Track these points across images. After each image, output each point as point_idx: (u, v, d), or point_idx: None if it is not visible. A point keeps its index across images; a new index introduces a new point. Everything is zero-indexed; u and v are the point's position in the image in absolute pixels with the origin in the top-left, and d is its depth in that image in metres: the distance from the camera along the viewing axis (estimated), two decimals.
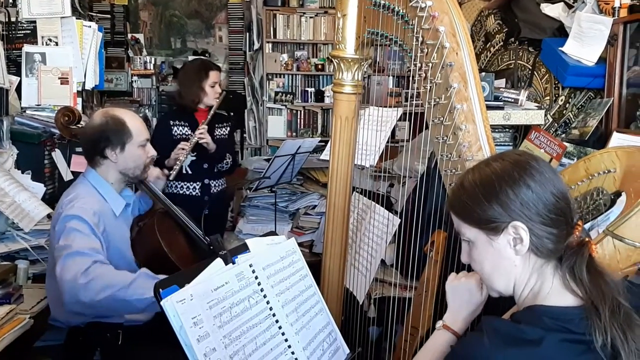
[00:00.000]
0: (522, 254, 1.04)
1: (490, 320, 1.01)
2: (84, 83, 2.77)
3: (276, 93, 6.01)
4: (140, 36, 6.15)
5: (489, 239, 1.05)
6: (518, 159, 1.06)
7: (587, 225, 1.33)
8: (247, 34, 6.15)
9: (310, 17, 5.99)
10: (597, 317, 0.95)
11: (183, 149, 2.98)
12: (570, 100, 2.71)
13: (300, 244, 2.90)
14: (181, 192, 3.15)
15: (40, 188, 2.50)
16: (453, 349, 1.10)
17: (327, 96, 5.91)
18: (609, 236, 1.09)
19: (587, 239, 1.02)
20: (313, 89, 6.06)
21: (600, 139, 2.46)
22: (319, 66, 6.03)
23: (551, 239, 1.01)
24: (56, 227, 1.81)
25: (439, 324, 1.25)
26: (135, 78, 5.80)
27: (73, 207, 1.81)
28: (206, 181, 3.18)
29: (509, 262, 1.05)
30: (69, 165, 2.62)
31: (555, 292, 1.02)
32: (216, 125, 3.19)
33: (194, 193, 3.16)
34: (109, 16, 5.51)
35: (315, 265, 1.79)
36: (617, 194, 1.15)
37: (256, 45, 6.02)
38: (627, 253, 1.08)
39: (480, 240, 1.07)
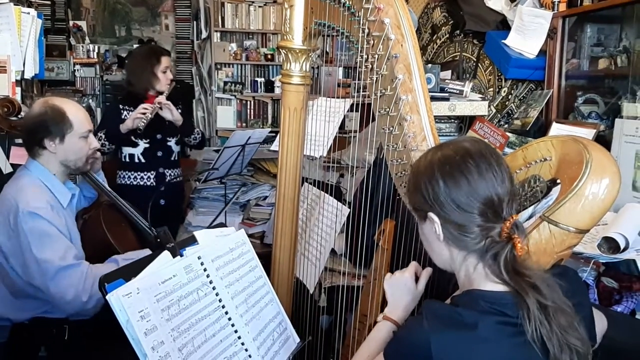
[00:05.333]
0: (444, 242, 1.10)
1: (430, 304, 1.05)
2: (22, 72, 2.65)
3: (225, 83, 5.94)
4: (82, 24, 5.95)
5: (420, 222, 1.14)
6: (447, 155, 1.08)
7: (529, 211, 1.38)
8: (195, 22, 6.04)
9: (259, 7, 5.93)
10: (525, 308, 0.99)
11: (146, 109, 2.86)
12: (512, 91, 2.80)
13: (251, 235, 2.92)
14: (135, 182, 3.05)
15: None
16: (395, 334, 1.14)
17: (277, 86, 5.87)
18: (545, 221, 1.13)
19: (514, 236, 1.04)
20: (263, 79, 6.02)
21: (540, 129, 2.56)
22: (269, 56, 5.98)
23: (467, 235, 1.06)
24: (11, 223, 1.75)
25: (380, 316, 1.30)
26: (77, 67, 5.62)
27: (28, 204, 1.75)
28: (161, 170, 3.08)
29: (437, 246, 1.12)
30: (8, 157, 2.52)
31: (484, 280, 1.07)
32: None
33: (148, 183, 3.05)
34: (49, 2, 5.29)
35: (267, 256, 1.79)
36: (553, 181, 1.20)
37: (204, 34, 5.93)
38: (561, 237, 1.12)
39: (417, 221, 1.16)
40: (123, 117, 2.99)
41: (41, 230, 1.74)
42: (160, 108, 2.93)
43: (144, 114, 2.85)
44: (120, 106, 3.05)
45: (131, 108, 3.00)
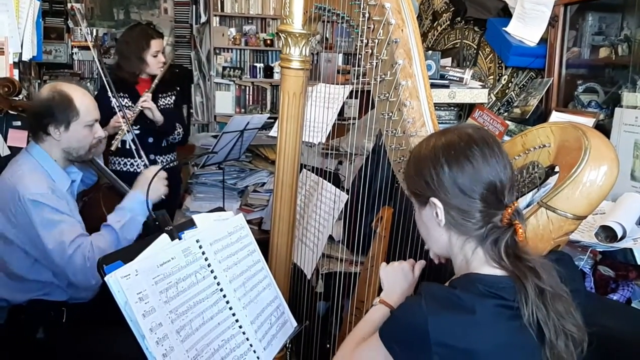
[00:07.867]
0: (444, 227, 1.10)
1: (429, 286, 1.06)
2: (20, 54, 2.64)
3: (224, 68, 5.90)
4: (80, 6, 5.89)
5: (420, 207, 1.14)
6: (452, 140, 1.09)
7: (527, 198, 1.39)
8: (194, 6, 5.99)
9: None
10: (523, 293, 1.00)
11: (125, 117, 2.70)
12: (512, 79, 2.79)
13: (249, 222, 2.89)
14: (125, 169, 3.00)
15: None
16: (392, 313, 1.14)
17: (276, 72, 5.85)
18: (542, 207, 1.14)
19: (515, 222, 1.06)
20: (262, 65, 5.98)
21: (540, 118, 2.56)
22: (268, 41, 5.95)
23: (468, 220, 1.07)
24: (12, 210, 1.75)
25: (376, 300, 1.31)
26: (75, 50, 5.59)
27: (29, 190, 1.74)
28: (152, 157, 3.00)
29: (436, 232, 1.13)
30: (5, 139, 2.51)
31: (482, 264, 1.08)
32: (160, 95, 3.00)
33: (139, 170, 2.93)
34: None
35: (265, 242, 1.80)
36: (551, 168, 1.21)
37: (203, 19, 5.88)
38: (559, 223, 1.13)
39: (416, 207, 1.17)
40: (113, 105, 2.80)
41: (44, 218, 1.73)
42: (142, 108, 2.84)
43: (116, 126, 2.74)
44: (109, 94, 2.89)
45: (120, 94, 2.89)
